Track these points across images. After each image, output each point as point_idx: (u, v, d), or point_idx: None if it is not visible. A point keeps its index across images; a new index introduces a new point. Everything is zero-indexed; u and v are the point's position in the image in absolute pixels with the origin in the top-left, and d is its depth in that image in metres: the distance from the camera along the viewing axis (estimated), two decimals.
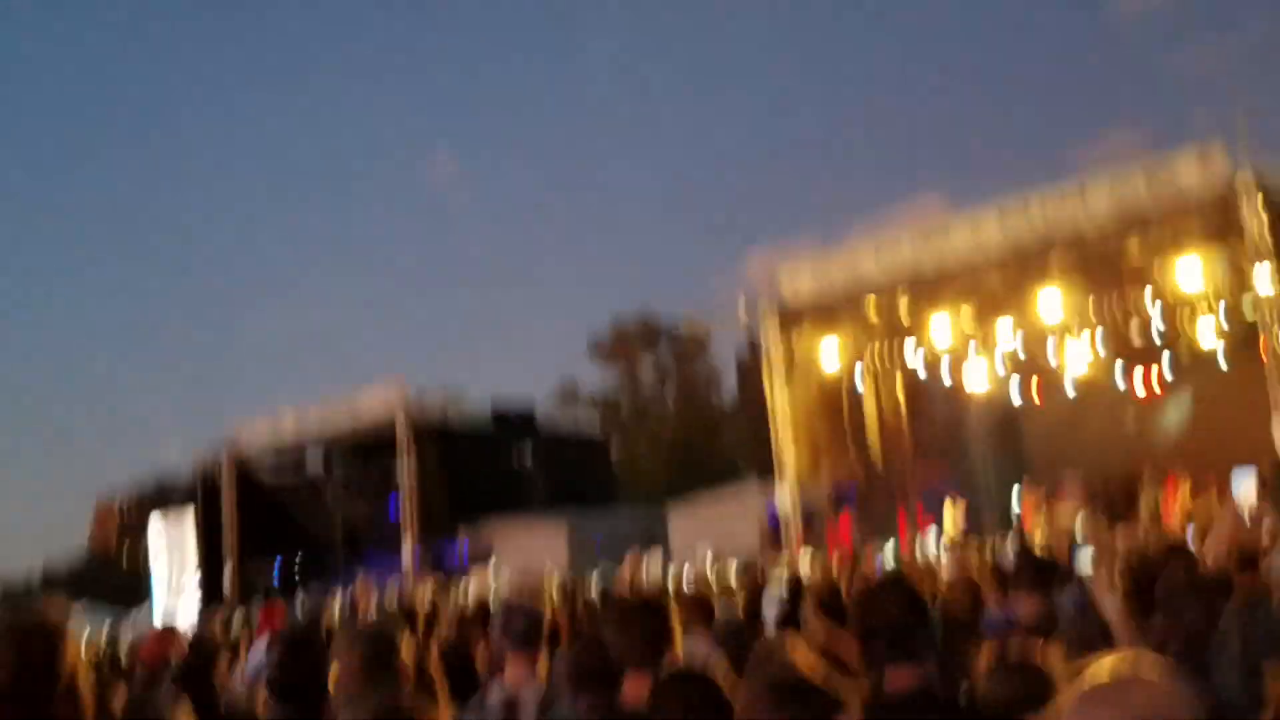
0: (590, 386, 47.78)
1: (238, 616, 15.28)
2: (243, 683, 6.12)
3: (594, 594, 12.24)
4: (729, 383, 41.14)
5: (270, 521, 29.92)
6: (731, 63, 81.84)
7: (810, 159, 78.11)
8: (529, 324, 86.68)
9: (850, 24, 77.98)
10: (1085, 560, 5.88)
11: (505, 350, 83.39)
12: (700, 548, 20.83)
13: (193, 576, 27.30)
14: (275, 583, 28.90)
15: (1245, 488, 15.85)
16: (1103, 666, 1.85)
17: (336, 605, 16.68)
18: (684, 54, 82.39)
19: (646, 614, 3.94)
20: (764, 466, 21.80)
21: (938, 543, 18.04)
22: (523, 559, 23.09)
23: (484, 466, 29.85)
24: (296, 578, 29.04)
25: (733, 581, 13.39)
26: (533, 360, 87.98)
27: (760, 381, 21.22)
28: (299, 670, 3.90)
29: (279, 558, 29.90)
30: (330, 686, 3.63)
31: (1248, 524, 7.61)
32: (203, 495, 30.05)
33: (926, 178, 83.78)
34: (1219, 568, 5.29)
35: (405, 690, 3.28)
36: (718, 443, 41.56)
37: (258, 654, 7.29)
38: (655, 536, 25.63)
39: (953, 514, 19.69)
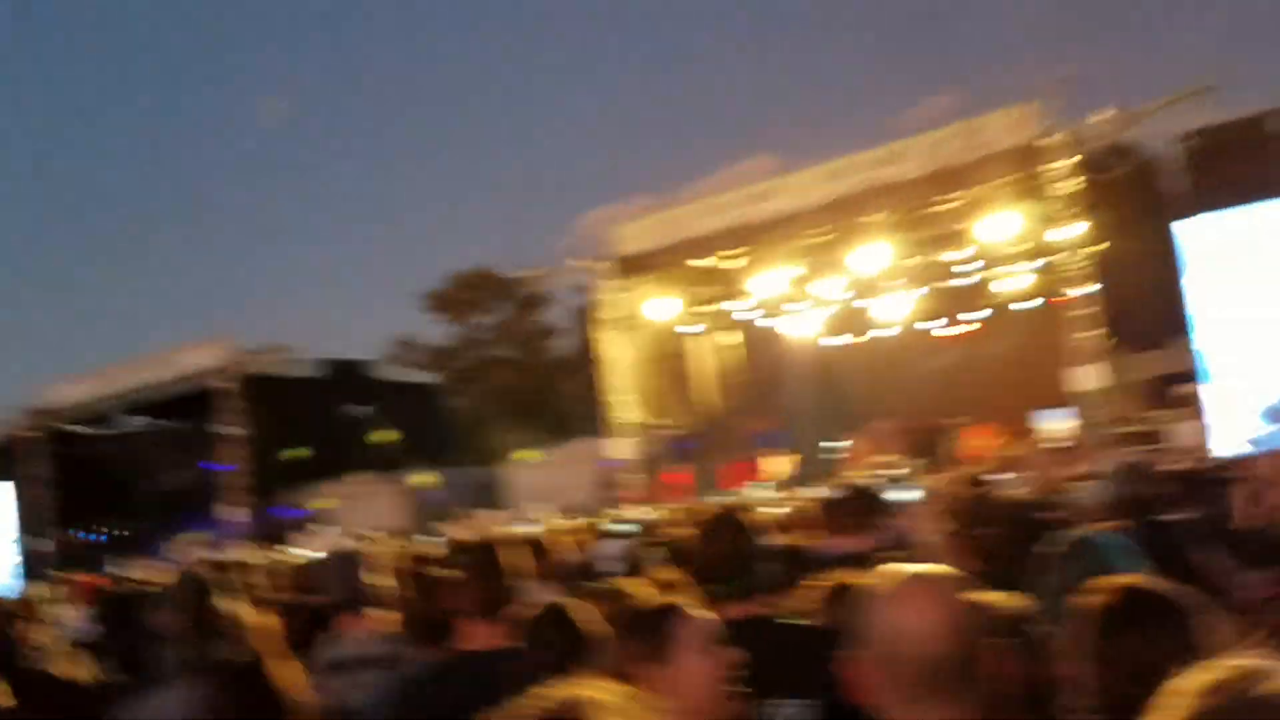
0: (430, 341, 47.18)
1: (56, 584, 14.55)
2: (60, 647, 5.86)
3: (432, 552, 12.16)
4: (571, 338, 41.34)
5: (90, 488, 28.46)
6: (571, 29, 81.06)
7: (650, 124, 78.40)
8: (366, 281, 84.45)
9: None
10: (901, 499, 6.20)
11: (341, 308, 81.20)
12: (541, 501, 20.95)
13: (12, 547, 25.81)
14: (97, 549, 27.60)
15: (1053, 427, 17.12)
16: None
17: (158, 569, 16.05)
18: (527, 17, 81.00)
19: (485, 562, 3.97)
20: (599, 419, 22.07)
21: (771, 487, 18.68)
22: (360, 518, 22.73)
23: (318, 422, 29.10)
24: (119, 543, 27.79)
25: (571, 532, 13.52)
26: (370, 319, 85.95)
27: (597, 335, 21.45)
28: (120, 632, 3.79)
29: (101, 524, 28.55)
30: (153, 646, 3.53)
31: (1055, 461, 8.18)
32: (18, 462, 28.29)
33: (762, 141, 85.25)
34: (1029, 500, 5.68)
35: (237, 645, 3.23)
36: (557, 397, 41.69)
37: (77, 618, 6.99)
38: (495, 491, 25.63)
39: (784, 461, 20.45)
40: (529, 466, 26.71)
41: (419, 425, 32.31)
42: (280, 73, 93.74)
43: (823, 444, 21.20)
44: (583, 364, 23.92)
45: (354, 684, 4.25)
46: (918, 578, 2.06)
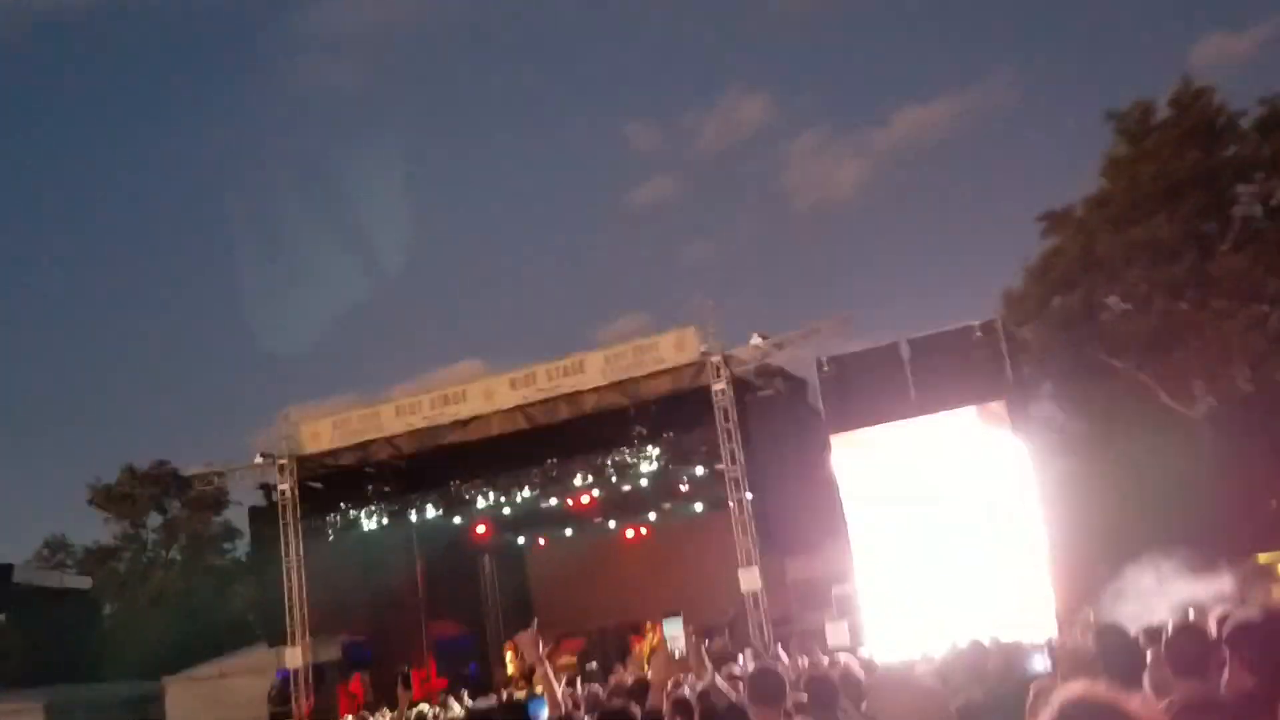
0: (87, 541, 43.08)
1: None
2: None
3: None
4: (245, 540, 39.10)
5: None
6: (283, 219, 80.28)
7: (358, 324, 77.83)
8: (17, 474, 76.41)
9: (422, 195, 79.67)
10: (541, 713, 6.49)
11: None
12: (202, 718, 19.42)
13: None
14: None
15: (673, 631, 18.40)
16: None
17: None
18: (249, 198, 79.40)
19: None
20: (277, 628, 20.90)
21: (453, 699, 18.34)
22: None
23: None
24: None
25: None
26: (19, 516, 77.26)
27: (276, 538, 20.58)
28: None
29: None
30: None
31: (678, 662, 8.79)
32: None
33: (470, 347, 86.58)
34: (655, 704, 6.14)
35: None
36: (228, 604, 39.02)
37: None
38: (150, 711, 23.41)
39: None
40: (194, 680, 24.67)
41: (64, 635, 29.24)
42: None
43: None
44: (259, 566, 22.72)
45: None
46: None
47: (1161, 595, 20.01)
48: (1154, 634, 7.26)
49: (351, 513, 20.85)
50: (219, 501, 41.69)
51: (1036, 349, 26.76)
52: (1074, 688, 2.22)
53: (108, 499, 42.51)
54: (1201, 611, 12.12)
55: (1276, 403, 23.31)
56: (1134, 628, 6.32)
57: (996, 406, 16.83)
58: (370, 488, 20.98)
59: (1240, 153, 26.35)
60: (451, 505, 20.95)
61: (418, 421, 19.31)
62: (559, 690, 5.76)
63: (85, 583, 36.61)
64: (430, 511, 21.08)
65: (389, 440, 19.67)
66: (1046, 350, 26.78)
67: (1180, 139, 26.37)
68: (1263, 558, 23.69)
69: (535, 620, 6.41)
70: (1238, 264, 24.99)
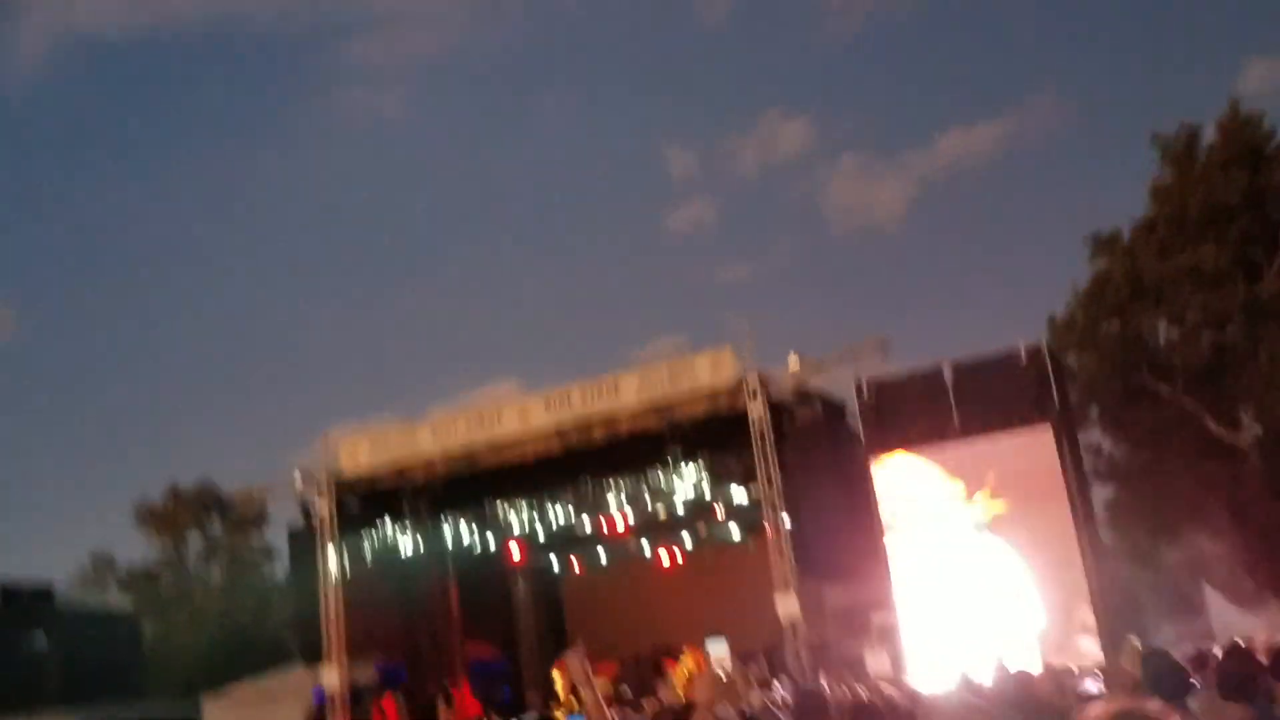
0: (131, 561, 43.48)
1: None
2: None
3: None
4: (284, 560, 39.28)
5: None
6: (312, 239, 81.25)
7: (398, 344, 78.38)
8: (62, 492, 77.46)
9: (442, 218, 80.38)
10: None
11: (32, 525, 73.60)
12: None
13: None
14: None
15: (718, 653, 18.04)
16: None
17: None
18: (268, 224, 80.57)
19: None
20: (314, 648, 20.90)
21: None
22: None
23: None
24: None
25: None
26: (64, 534, 78.20)
27: (314, 558, 20.61)
28: None
29: None
30: None
31: (724, 684, 8.62)
32: None
33: (507, 367, 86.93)
34: None
35: None
36: (267, 623, 39.18)
37: None
38: None
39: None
40: (231, 699, 24.76)
41: (105, 656, 29.48)
42: None
43: (545, 666, 21.00)
44: (298, 585, 22.80)
45: None
46: None
47: (1207, 622, 19.58)
48: (1200, 660, 7.03)
49: (388, 534, 20.85)
50: (259, 522, 42.01)
51: (1083, 375, 26.38)
52: (1121, 702, 2.14)
53: (151, 518, 42.96)
54: (1249, 639, 11.79)
55: None
56: (1180, 654, 6.13)
57: (1042, 431, 16.56)
58: (406, 508, 20.97)
59: None
60: (486, 527, 20.91)
61: (453, 443, 19.29)
62: (608, 713, 5.64)
63: (126, 605, 36.96)
64: (465, 533, 21.05)
65: (425, 461, 19.66)
66: (1093, 376, 26.40)
67: (1227, 164, 25.97)
68: None
69: (580, 642, 6.31)
70: None
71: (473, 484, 19.86)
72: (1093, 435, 27.50)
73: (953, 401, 17.60)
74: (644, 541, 21.37)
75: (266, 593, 41.53)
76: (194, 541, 43.76)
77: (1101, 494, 27.21)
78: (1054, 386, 17.31)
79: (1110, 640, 14.98)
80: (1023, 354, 17.32)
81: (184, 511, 42.81)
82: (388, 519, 20.69)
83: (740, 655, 19.30)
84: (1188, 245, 25.66)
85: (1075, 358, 26.50)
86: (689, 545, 21.27)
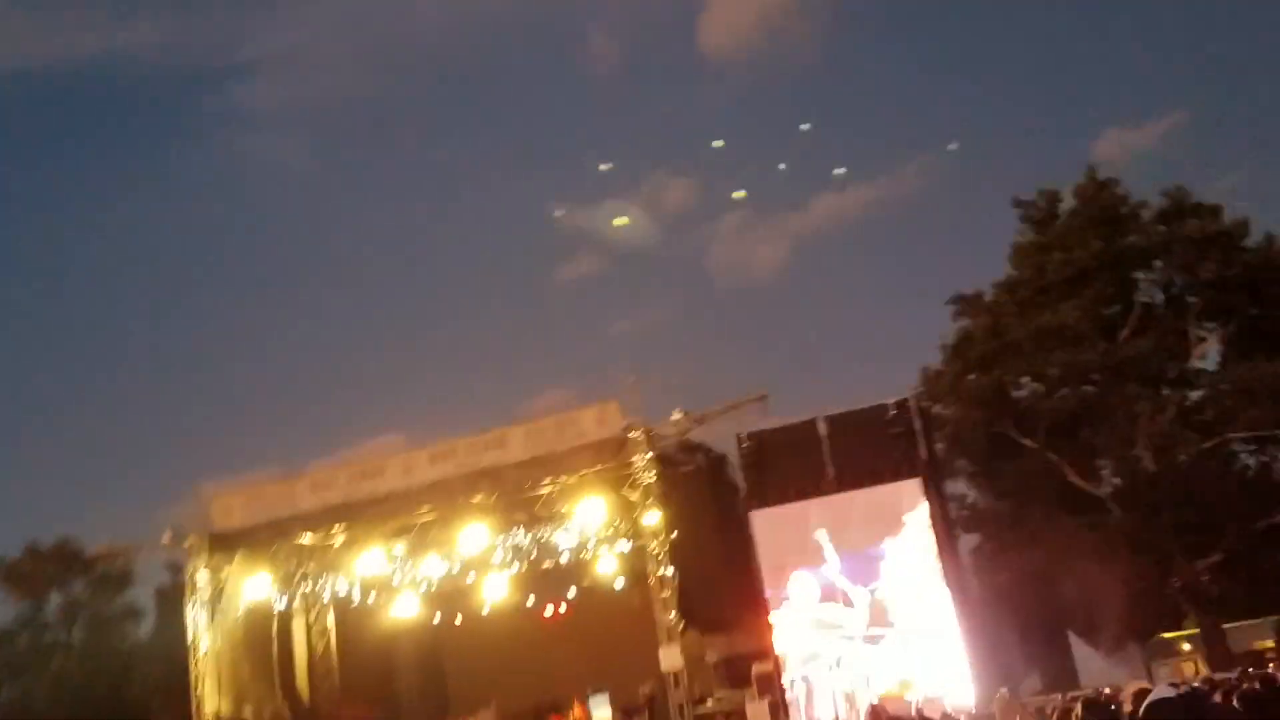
0: None
1: None
2: None
3: None
4: (150, 621, 37.66)
5: None
6: (206, 293, 78.72)
7: (280, 400, 76.27)
8: None
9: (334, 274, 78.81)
10: None
11: None
12: None
13: None
14: None
15: (601, 714, 18.14)
16: None
17: None
18: (150, 282, 77.77)
19: None
20: (180, 712, 20.09)
21: None
22: None
23: None
24: None
25: None
26: None
27: (183, 618, 19.89)
28: None
29: None
30: None
31: None
32: None
33: (392, 422, 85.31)
34: None
35: None
36: (130, 687, 37.34)
37: None
38: None
39: None
40: None
41: None
42: None
43: None
44: (165, 647, 21.90)
45: None
46: None
47: (1073, 669, 20.35)
48: (1064, 713, 7.32)
49: (262, 591, 20.24)
50: (124, 581, 40.17)
51: (951, 426, 27.24)
52: None
53: (8, 577, 40.73)
54: (1114, 688, 12.36)
55: (1179, 483, 23.96)
56: (1046, 705, 6.39)
57: (911, 484, 17.10)
58: (282, 564, 20.44)
59: (1141, 241, 27.39)
60: (365, 582, 20.49)
61: (334, 497, 18.97)
62: None
63: None
64: (343, 589, 20.60)
65: (303, 515, 19.25)
66: (960, 428, 27.28)
67: (1084, 227, 27.37)
68: (1167, 635, 24.24)
69: (494, 703, 6.31)
70: (1140, 348, 25.83)
71: (351, 540, 19.51)
72: (961, 486, 28.42)
73: (827, 454, 18.09)
74: (529, 595, 21.22)
75: (130, 655, 39.65)
76: (54, 601, 41.57)
77: (969, 542, 28.14)
78: (921, 439, 17.94)
79: (979, 686, 15.49)
80: (892, 407, 17.92)
81: (43, 569, 40.70)
82: (263, 575, 20.10)
83: (623, 709, 19.28)
84: (1048, 304, 26.87)
85: (945, 409, 27.36)
86: (573, 597, 21.18)
